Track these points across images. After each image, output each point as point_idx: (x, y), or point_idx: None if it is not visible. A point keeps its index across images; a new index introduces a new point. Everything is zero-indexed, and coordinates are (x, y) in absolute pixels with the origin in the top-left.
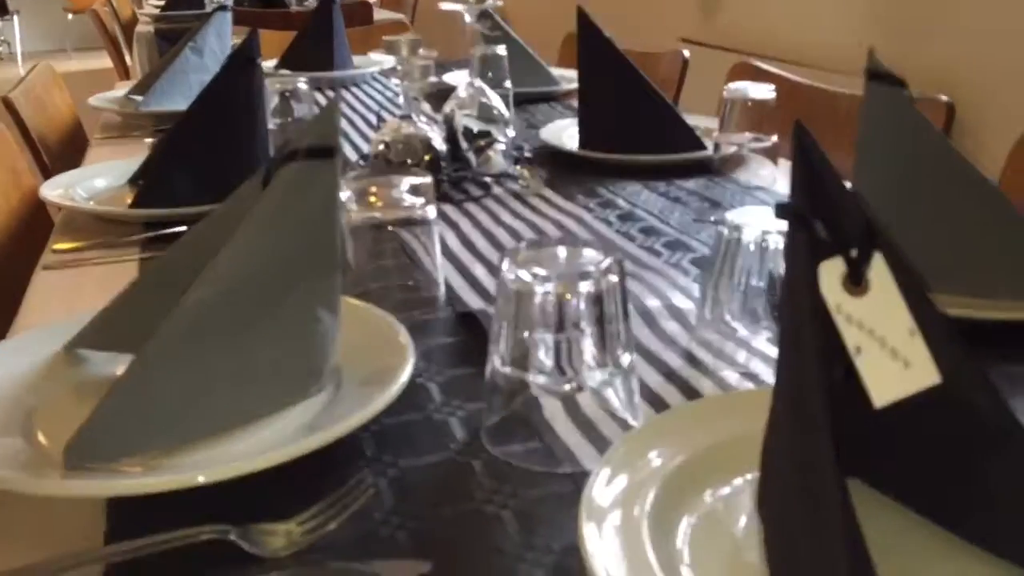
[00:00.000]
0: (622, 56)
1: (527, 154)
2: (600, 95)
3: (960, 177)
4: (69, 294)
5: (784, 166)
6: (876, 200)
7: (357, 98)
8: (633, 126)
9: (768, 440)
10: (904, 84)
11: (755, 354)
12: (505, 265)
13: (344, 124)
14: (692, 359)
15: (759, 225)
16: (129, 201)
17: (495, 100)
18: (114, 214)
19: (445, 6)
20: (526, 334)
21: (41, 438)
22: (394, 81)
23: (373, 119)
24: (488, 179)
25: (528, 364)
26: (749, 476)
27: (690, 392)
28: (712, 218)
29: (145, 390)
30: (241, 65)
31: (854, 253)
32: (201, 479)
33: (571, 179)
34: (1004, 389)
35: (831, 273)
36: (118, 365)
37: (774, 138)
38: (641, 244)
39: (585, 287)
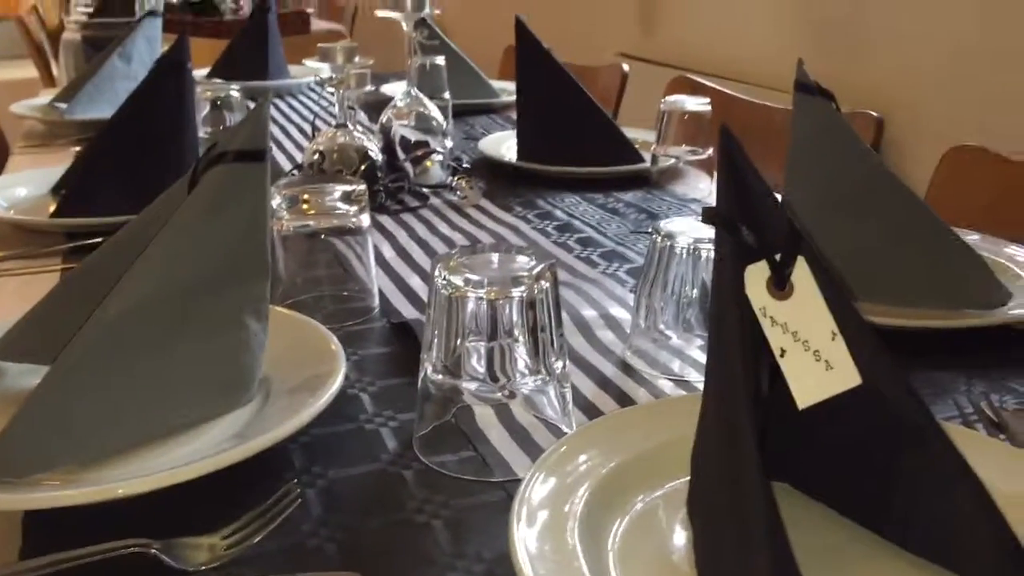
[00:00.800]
0: (560, 67)
1: (465, 165)
2: (538, 106)
3: (885, 188)
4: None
5: None
6: (805, 208)
7: (292, 108)
8: (571, 138)
9: (697, 444)
10: (831, 96)
11: (688, 362)
12: (437, 271)
13: (278, 133)
14: (626, 367)
15: (691, 234)
16: (51, 211)
17: (433, 110)
18: (34, 223)
19: (381, 14)
20: (458, 341)
21: None
22: (329, 90)
23: (308, 128)
24: (425, 190)
25: (461, 371)
26: (681, 480)
27: (624, 400)
28: (649, 229)
29: (62, 402)
30: (170, 70)
31: (778, 257)
32: (120, 491)
33: (509, 191)
34: (921, 391)
35: (756, 277)
36: (35, 377)
37: (710, 151)
38: (578, 255)
39: (518, 293)
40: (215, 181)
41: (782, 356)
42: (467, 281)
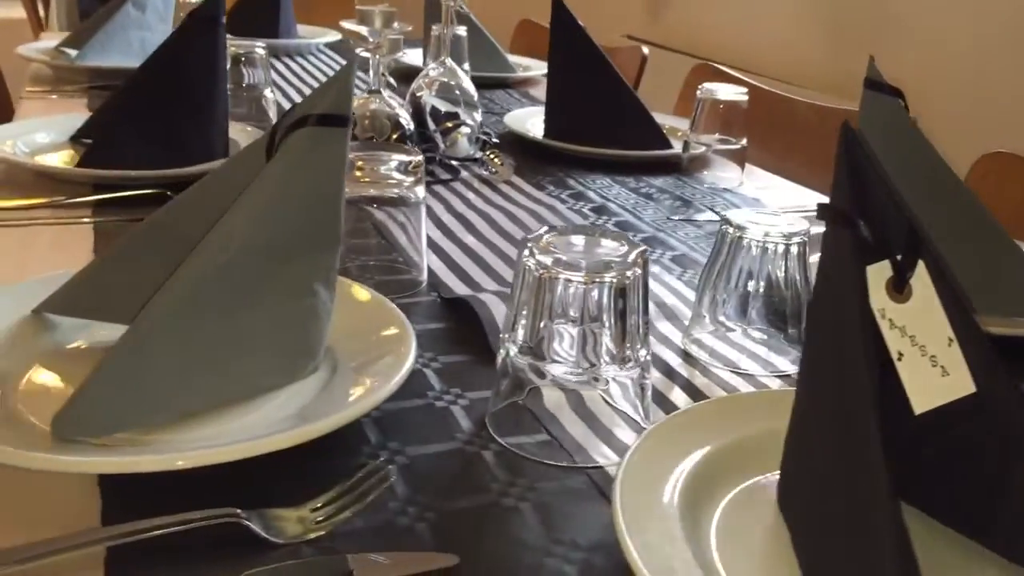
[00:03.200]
0: (595, 47)
1: (494, 140)
2: (569, 84)
3: (949, 191)
4: (19, 254)
5: (752, 170)
6: None
7: (304, 69)
8: (601, 119)
9: (795, 443)
10: (901, 95)
11: (747, 354)
12: (527, 250)
13: (294, 95)
14: (688, 358)
15: (761, 226)
16: (74, 159)
17: (465, 81)
18: (62, 172)
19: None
20: (544, 323)
21: (21, 407)
22: (364, 53)
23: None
24: (455, 162)
25: (545, 353)
26: (772, 474)
27: (692, 392)
28: (696, 217)
29: (140, 363)
30: (203, 24)
31: (899, 258)
32: (207, 459)
33: (538, 168)
34: None
35: (876, 277)
36: (93, 333)
37: (743, 141)
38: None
39: (609, 278)
40: (297, 145)
41: (899, 360)
42: (558, 262)
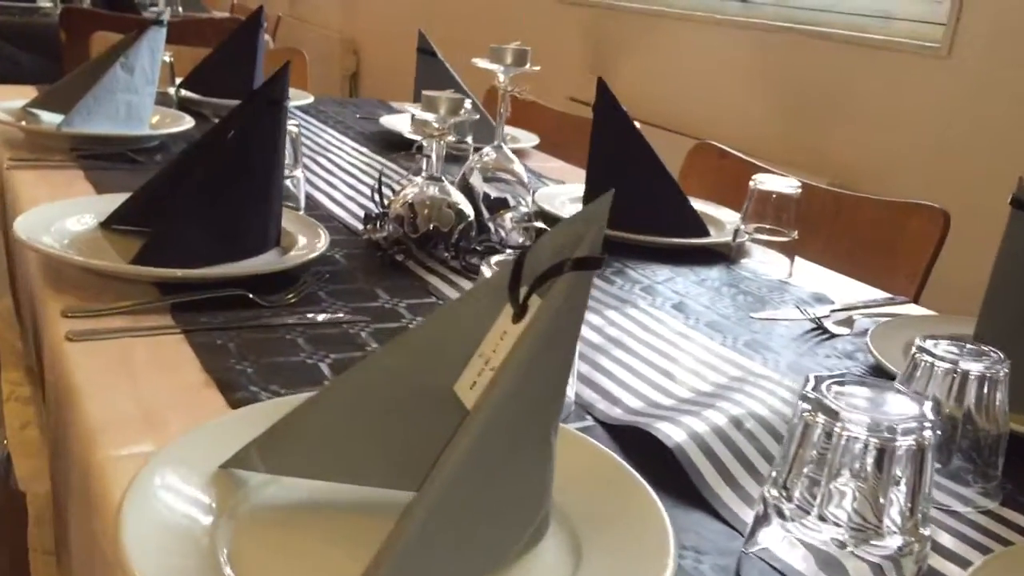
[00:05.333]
0: (636, 131)
1: (541, 225)
2: (610, 168)
3: None
4: (118, 369)
5: (801, 263)
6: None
7: None
8: (641, 204)
9: None
10: None
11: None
12: (809, 404)
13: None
14: None
15: (946, 350)
16: (113, 248)
17: (517, 165)
18: (124, 272)
19: (481, 64)
20: (824, 480)
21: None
22: (411, 135)
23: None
24: (509, 250)
25: (821, 513)
26: None
27: None
28: (780, 316)
29: (426, 544)
30: (266, 108)
31: None
32: None
33: None
34: None
35: None
36: (298, 493)
37: (794, 234)
38: (726, 343)
39: (907, 441)
40: (558, 294)
41: None
42: (851, 418)
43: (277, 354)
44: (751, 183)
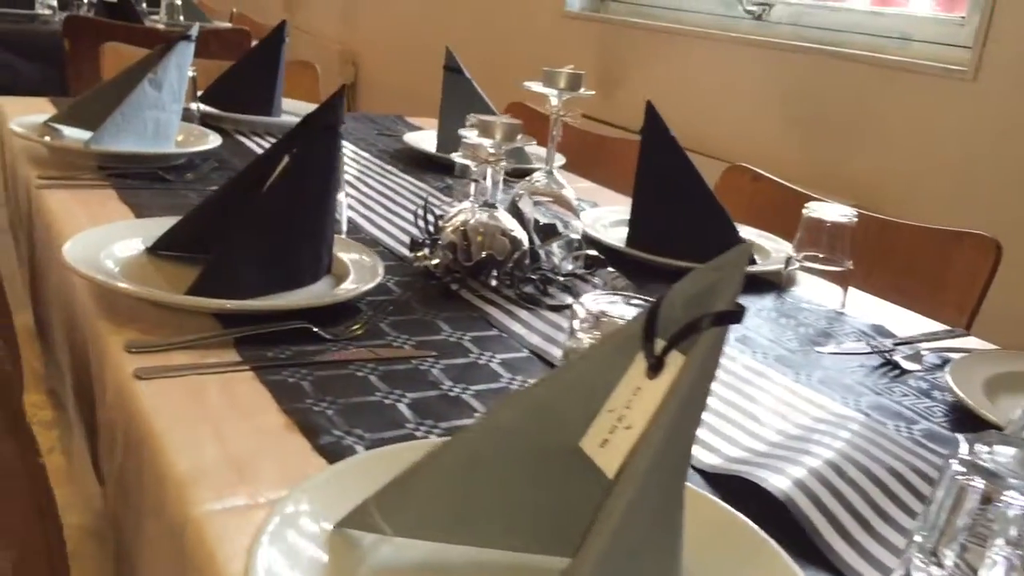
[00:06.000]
0: (685, 157)
1: (592, 252)
2: (659, 193)
3: None
4: (194, 411)
5: (855, 293)
6: None
7: None
8: (687, 231)
9: None
10: None
11: None
12: (960, 465)
13: None
14: None
15: None
16: (177, 282)
17: (568, 190)
18: (194, 306)
19: (533, 87)
20: (981, 547)
21: None
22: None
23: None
24: (563, 278)
25: None
26: None
27: None
28: (845, 349)
29: None
30: (322, 133)
31: None
32: None
33: (632, 282)
34: None
35: None
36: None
37: (849, 264)
38: (800, 380)
39: None
40: (700, 353)
41: None
42: (1014, 484)
43: (353, 393)
44: (804, 211)
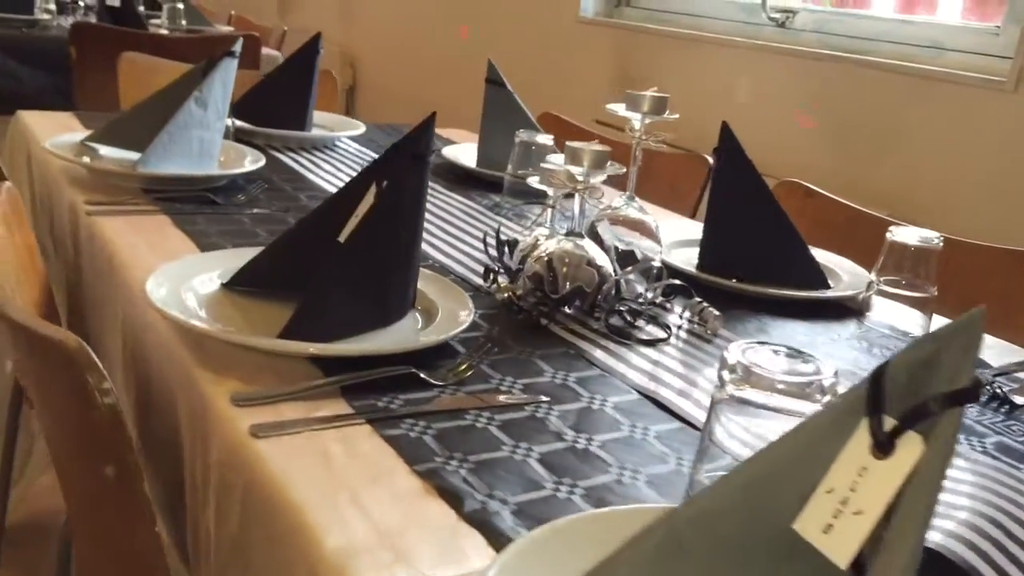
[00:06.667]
0: (760, 179)
1: (676, 281)
2: (732, 217)
3: None
4: (322, 474)
5: (939, 320)
6: None
7: (329, 161)
8: (764, 254)
9: None
10: None
11: None
12: None
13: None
14: None
15: None
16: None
17: (648, 216)
18: (297, 352)
19: (614, 110)
20: None
21: None
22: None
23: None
24: (652, 309)
25: None
26: None
27: None
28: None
29: None
30: (411, 163)
31: None
32: None
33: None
34: None
35: None
36: None
37: (933, 290)
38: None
39: None
40: (945, 436)
41: None
42: None
43: (479, 447)
44: (888, 235)
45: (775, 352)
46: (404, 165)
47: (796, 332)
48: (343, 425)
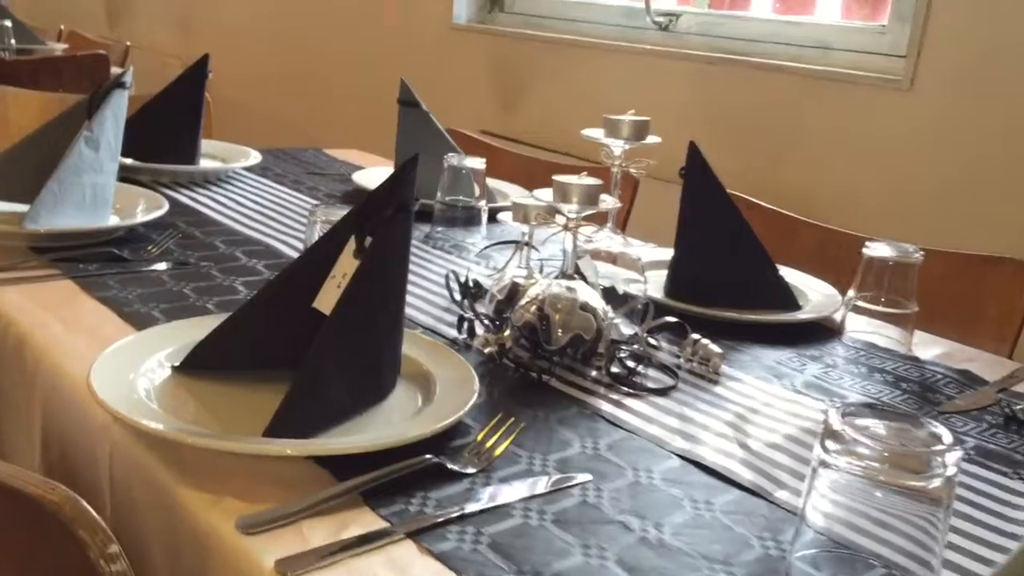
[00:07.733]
0: (729, 200)
1: (670, 319)
2: (704, 241)
3: None
4: None
5: (921, 336)
6: None
7: (224, 193)
8: (735, 277)
9: None
10: None
11: None
12: None
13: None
14: None
15: None
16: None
17: (631, 249)
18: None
19: (592, 136)
20: None
21: None
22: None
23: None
24: (649, 351)
25: None
26: None
27: None
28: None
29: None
30: (397, 217)
31: None
32: None
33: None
34: None
35: None
36: None
37: (914, 306)
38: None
39: None
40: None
41: None
42: None
43: (545, 556)
44: (864, 251)
45: (879, 415)
46: (389, 221)
47: (784, 358)
48: (384, 544)
